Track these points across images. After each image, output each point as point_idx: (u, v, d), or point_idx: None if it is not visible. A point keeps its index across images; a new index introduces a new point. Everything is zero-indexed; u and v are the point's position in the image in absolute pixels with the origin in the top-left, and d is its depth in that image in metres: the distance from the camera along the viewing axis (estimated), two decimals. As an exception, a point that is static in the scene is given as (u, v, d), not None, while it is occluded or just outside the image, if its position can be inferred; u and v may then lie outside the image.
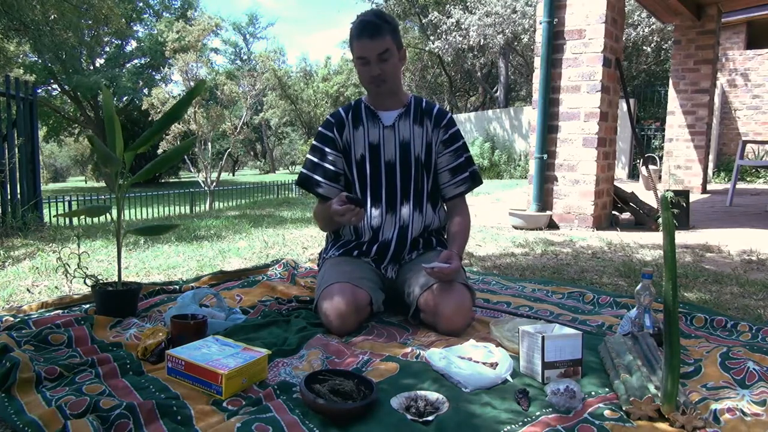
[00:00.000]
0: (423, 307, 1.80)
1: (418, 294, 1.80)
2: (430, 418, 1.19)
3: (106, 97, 1.90)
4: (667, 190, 1.22)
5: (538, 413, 1.23)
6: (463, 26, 12.63)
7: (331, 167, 1.96)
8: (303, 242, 3.54)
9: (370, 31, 1.80)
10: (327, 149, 1.97)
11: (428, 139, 1.97)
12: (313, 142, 2.02)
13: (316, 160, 1.98)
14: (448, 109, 17.10)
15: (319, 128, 2.02)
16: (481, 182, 2.10)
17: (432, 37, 14.45)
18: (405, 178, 1.96)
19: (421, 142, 1.97)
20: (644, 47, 12.53)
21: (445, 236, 2.06)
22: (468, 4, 13.33)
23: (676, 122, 7.06)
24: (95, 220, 6.03)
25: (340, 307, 1.72)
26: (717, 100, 9.39)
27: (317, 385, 1.26)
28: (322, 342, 1.64)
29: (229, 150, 15.16)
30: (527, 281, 2.49)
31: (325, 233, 2.18)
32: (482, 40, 12.66)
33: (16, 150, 4.24)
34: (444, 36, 13.36)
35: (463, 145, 2.03)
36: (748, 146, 9.24)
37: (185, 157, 14.01)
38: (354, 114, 1.99)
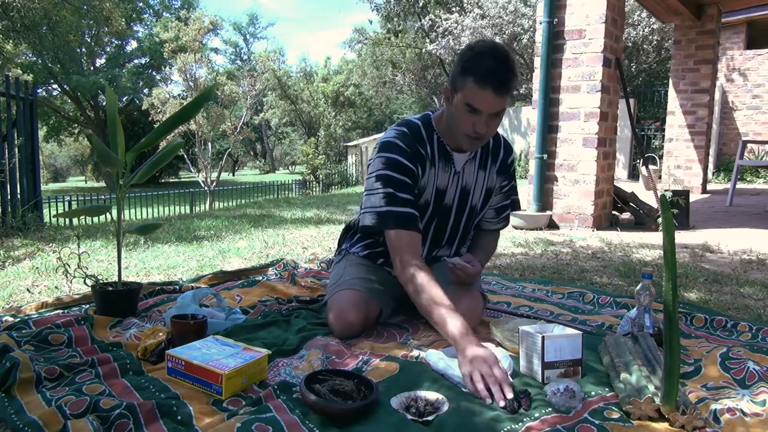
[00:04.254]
0: None
1: None
2: (430, 418, 1.19)
3: (110, 97, 1.90)
4: (667, 190, 1.22)
5: (537, 413, 1.23)
6: (455, 31, 12.66)
7: (415, 200, 1.66)
8: (303, 242, 3.54)
9: (500, 85, 1.49)
10: (409, 181, 1.63)
11: (489, 184, 1.83)
12: (387, 173, 1.62)
13: (401, 194, 1.61)
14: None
15: (394, 156, 1.63)
16: (519, 209, 1.97)
17: (428, 39, 14.47)
18: (456, 224, 1.83)
19: (481, 189, 1.81)
20: (644, 47, 12.53)
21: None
22: (465, 4, 13.35)
23: (676, 122, 7.06)
24: (95, 219, 6.04)
25: (348, 315, 1.69)
26: (717, 100, 9.39)
27: (317, 385, 1.26)
28: (322, 342, 1.64)
29: (229, 150, 15.19)
30: (527, 281, 2.49)
31: (344, 226, 2.04)
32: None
33: (16, 150, 4.25)
34: (438, 39, 13.40)
35: (514, 186, 1.90)
36: (748, 146, 9.24)
37: (185, 157, 14.04)
38: (431, 149, 1.69)
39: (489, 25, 12.33)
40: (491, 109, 1.52)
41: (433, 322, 1.51)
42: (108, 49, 22.71)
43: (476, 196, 1.80)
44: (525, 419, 1.21)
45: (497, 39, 12.58)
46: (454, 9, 13.70)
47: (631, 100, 9.26)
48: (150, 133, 1.90)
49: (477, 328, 1.82)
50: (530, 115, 4.43)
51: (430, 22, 13.70)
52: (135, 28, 22.97)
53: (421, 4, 16.30)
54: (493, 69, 1.48)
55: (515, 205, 1.96)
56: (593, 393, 1.32)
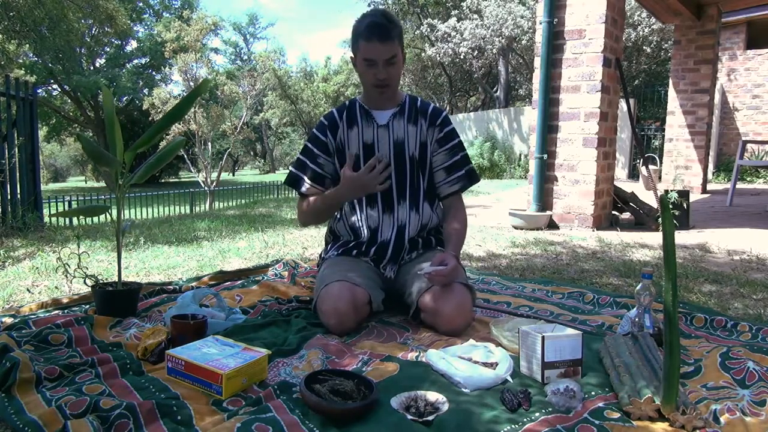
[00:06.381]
0: (423, 308, 1.79)
1: (418, 294, 1.80)
2: (430, 418, 1.19)
3: (107, 97, 1.90)
4: (671, 190, 1.22)
5: (537, 413, 1.23)
6: (454, 37, 12.68)
7: (318, 170, 1.99)
8: (303, 242, 3.54)
9: (381, 34, 1.77)
10: (317, 151, 1.99)
11: (423, 138, 1.98)
12: (306, 143, 2.03)
13: (306, 160, 2.00)
14: (447, 110, 16.95)
15: (313, 130, 2.03)
16: (478, 180, 2.09)
17: (428, 43, 14.49)
18: (400, 177, 1.96)
19: (415, 140, 1.97)
20: (644, 47, 12.54)
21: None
22: (464, 9, 13.37)
23: (676, 122, 7.06)
24: (95, 219, 6.03)
25: (338, 306, 1.72)
26: (717, 100, 9.39)
27: (317, 385, 1.26)
28: (322, 342, 1.64)
29: (229, 150, 15.17)
30: (527, 281, 2.49)
31: (324, 235, 2.18)
32: (479, 45, 12.69)
33: (16, 150, 4.24)
34: (438, 43, 13.41)
35: (458, 143, 2.02)
36: (748, 146, 9.24)
37: (185, 157, 14.03)
38: (348, 114, 1.99)
39: (488, 28, 12.33)
40: (383, 56, 1.79)
41: (323, 206, 1.94)
42: (108, 49, 22.70)
43: (411, 147, 1.97)
44: (525, 419, 1.21)
45: (497, 42, 12.59)
46: (453, 13, 13.70)
47: (631, 100, 9.26)
48: (146, 132, 1.90)
49: (470, 321, 1.83)
50: (531, 115, 4.43)
51: (429, 28, 13.74)
52: (135, 28, 22.95)
53: (421, 3, 16.29)
54: (373, 23, 1.78)
55: (472, 176, 2.03)
56: (593, 393, 1.32)
